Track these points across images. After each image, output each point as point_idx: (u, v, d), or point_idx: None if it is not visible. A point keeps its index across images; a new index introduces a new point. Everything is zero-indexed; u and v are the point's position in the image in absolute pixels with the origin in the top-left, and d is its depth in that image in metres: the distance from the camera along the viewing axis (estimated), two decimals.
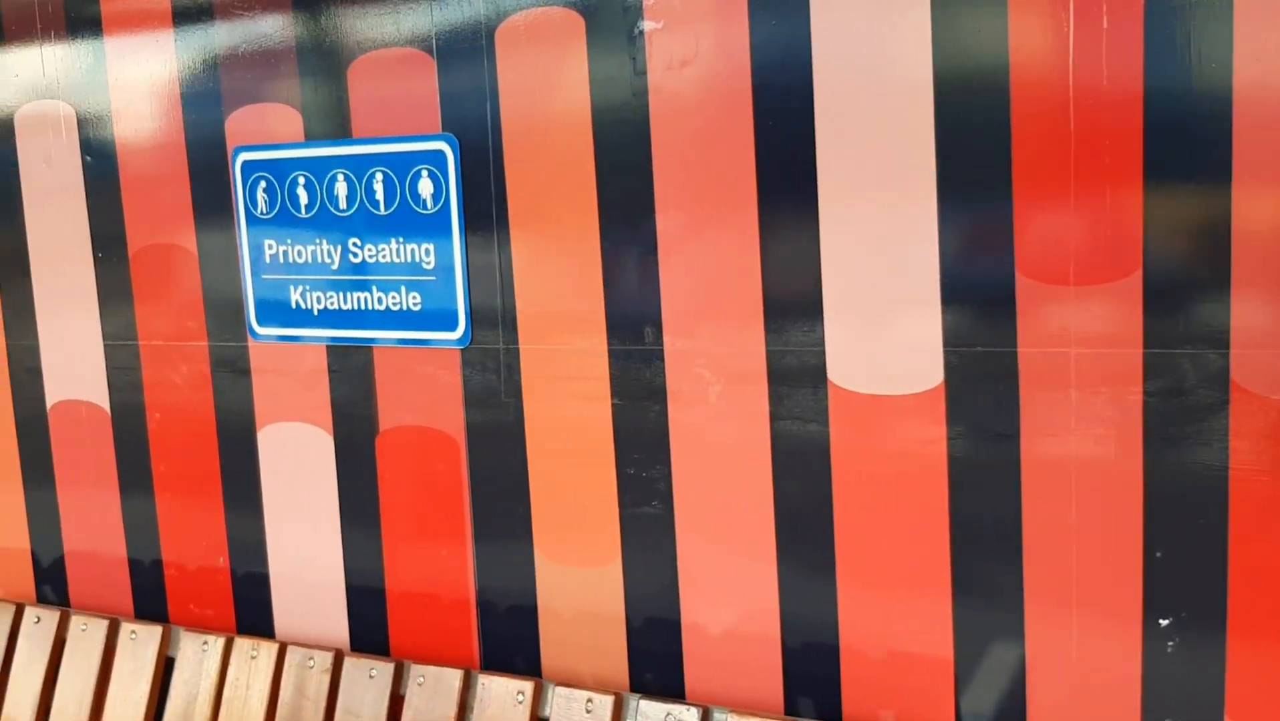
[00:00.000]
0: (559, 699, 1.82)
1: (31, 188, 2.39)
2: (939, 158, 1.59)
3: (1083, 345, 1.54)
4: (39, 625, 2.35)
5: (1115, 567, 1.57)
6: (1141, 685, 1.58)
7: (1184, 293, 1.49)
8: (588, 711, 1.78)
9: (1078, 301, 1.54)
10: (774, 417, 1.75)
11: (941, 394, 1.64)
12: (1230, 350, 1.46)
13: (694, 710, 1.74)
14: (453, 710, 1.89)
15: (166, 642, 2.22)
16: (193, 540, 2.33)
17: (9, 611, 2.39)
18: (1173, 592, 1.54)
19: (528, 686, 1.85)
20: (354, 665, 2.01)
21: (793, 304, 1.71)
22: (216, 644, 2.15)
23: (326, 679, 2.01)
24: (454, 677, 1.91)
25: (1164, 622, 1.55)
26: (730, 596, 1.84)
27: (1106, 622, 1.58)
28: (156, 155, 2.23)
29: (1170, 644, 1.55)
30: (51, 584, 2.53)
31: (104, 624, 2.28)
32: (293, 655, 2.07)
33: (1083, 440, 1.56)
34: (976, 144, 1.57)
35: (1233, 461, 1.49)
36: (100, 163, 2.30)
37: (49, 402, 2.46)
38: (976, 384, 1.61)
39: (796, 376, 1.73)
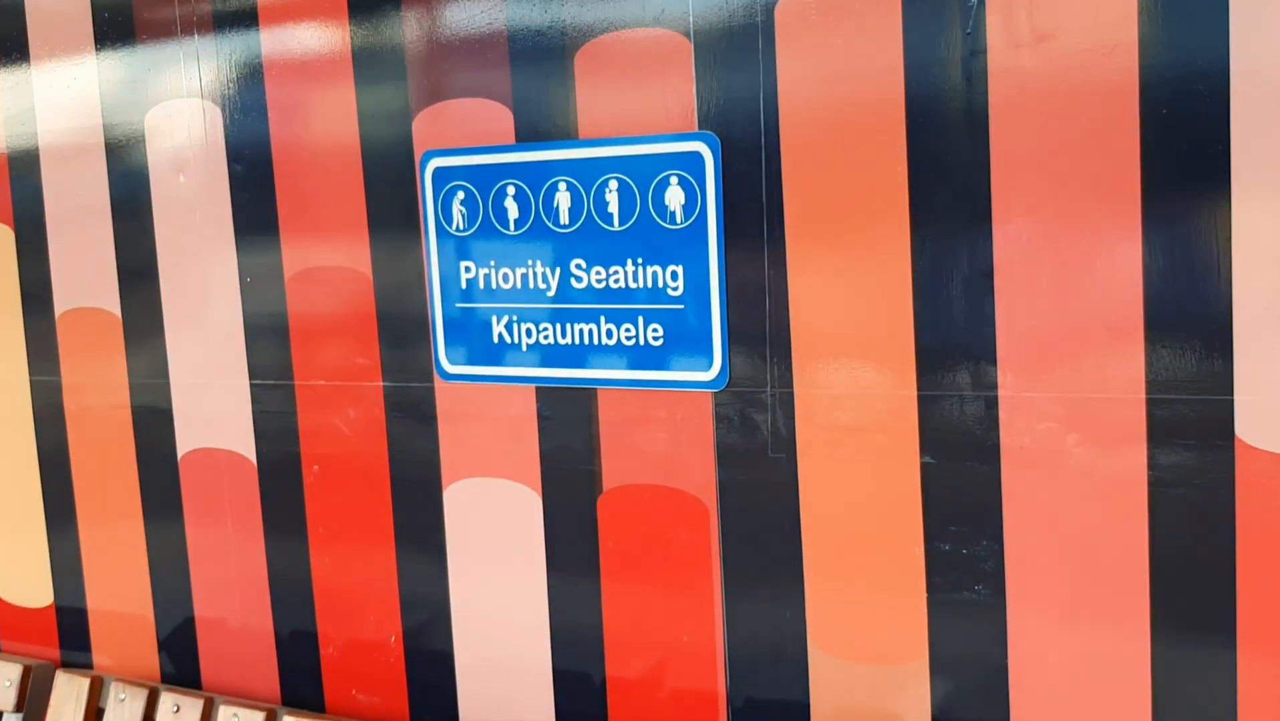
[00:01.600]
0: None
1: (162, 202, 2.05)
2: None
3: None
4: (178, 714, 1.99)
5: None
6: None
7: None
8: None
9: None
10: (1153, 484, 1.39)
11: None
12: None
13: None
14: None
15: None
16: (356, 616, 1.98)
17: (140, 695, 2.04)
18: None
19: None
20: None
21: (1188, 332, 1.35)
22: None
23: None
24: None
25: None
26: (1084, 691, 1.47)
27: None
28: (323, 162, 1.89)
29: None
30: (177, 655, 2.18)
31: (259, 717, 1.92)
32: None
33: None
34: None
35: None
36: (250, 171, 1.96)
37: (180, 452, 2.11)
38: None
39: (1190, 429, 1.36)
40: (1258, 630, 1.36)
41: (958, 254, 1.46)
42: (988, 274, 1.45)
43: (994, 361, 1.46)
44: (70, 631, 2.32)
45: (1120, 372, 1.39)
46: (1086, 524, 1.43)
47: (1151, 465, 1.39)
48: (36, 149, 2.17)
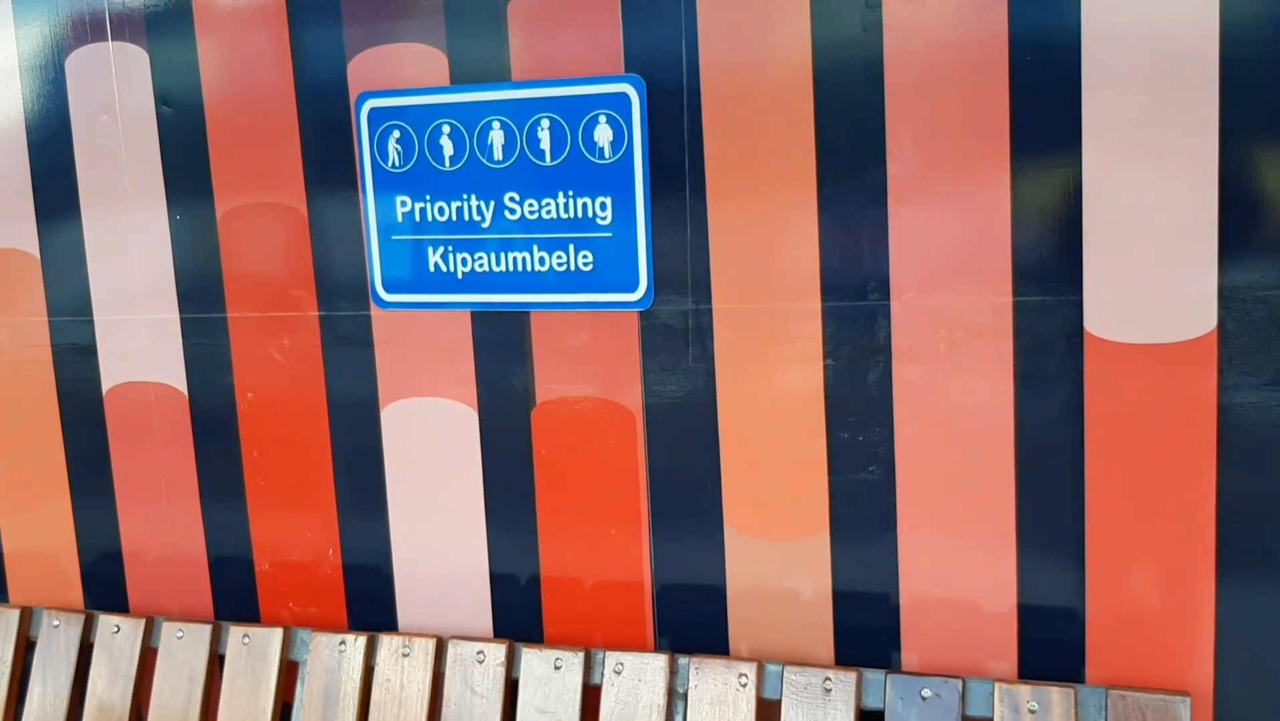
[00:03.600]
0: (793, 675, 1.69)
1: (85, 141, 2.10)
2: (1222, 106, 1.53)
3: None
4: (118, 634, 2.07)
5: None
6: None
7: None
8: (826, 689, 1.67)
9: None
10: (1018, 372, 1.67)
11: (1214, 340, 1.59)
12: None
13: (953, 680, 1.65)
14: (661, 698, 1.75)
15: (287, 646, 1.99)
16: (295, 535, 2.10)
17: (75, 621, 2.10)
18: None
19: (750, 668, 1.72)
20: (534, 654, 1.83)
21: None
22: (357, 642, 1.93)
23: (502, 671, 1.83)
24: (657, 662, 1.76)
25: None
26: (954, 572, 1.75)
27: None
28: (257, 104, 1.99)
29: None
30: (98, 588, 2.25)
31: (205, 629, 2.02)
32: (455, 648, 1.88)
33: None
34: (1261, 93, 1.52)
35: None
36: (180, 114, 2.03)
37: (105, 387, 2.17)
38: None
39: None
40: (1103, 486, 1.66)
41: (856, 184, 1.70)
42: (881, 199, 1.69)
43: (886, 276, 1.71)
44: None
45: (991, 281, 1.66)
46: (963, 409, 1.70)
47: (1016, 355, 1.67)
48: None
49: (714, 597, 1.89)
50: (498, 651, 1.85)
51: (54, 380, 2.22)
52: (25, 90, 2.13)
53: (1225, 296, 1.57)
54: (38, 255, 2.18)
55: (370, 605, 2.08)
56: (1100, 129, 1.59)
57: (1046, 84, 1.60)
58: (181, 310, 2.10)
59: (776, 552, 1.84)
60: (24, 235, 2.18)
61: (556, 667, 1.82)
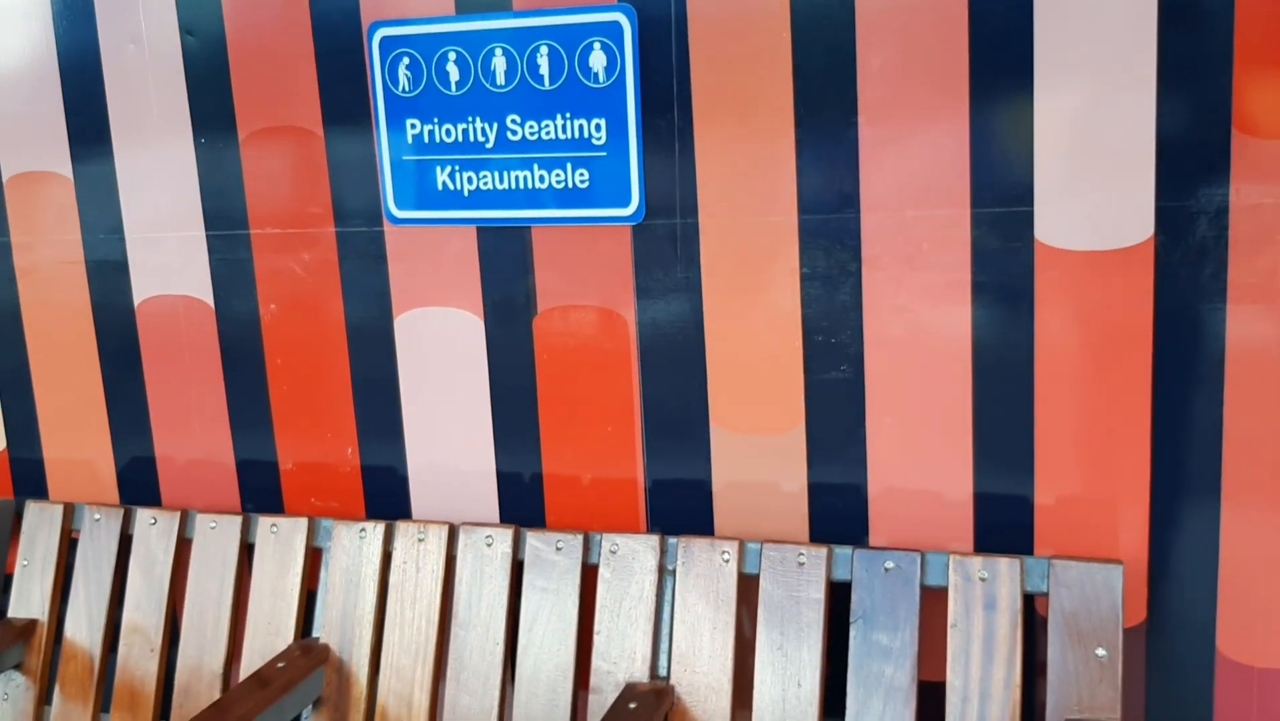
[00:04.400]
0: (771, 552, 1.88)
1: (114, 69, 2.24)
2: (1161, 41, 1.68)
3: None
4: (155, 526, 2.27)
5: None
6: None
7: None
8: (800, 563, 1.86)
9: None
10: (974, 277, 1.84)
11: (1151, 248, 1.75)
12: None
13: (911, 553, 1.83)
14: (652, 575, 1.94)
15: (312, 534, 2.18)
16: (316, 436, 2.28)
17: (117, 516, 2.29)
18: None
19: (732, 546, 1.91)
20: (537, 538, 2.02)
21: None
22: (376, 529, 2.12)
23: (508, 553, 2.02)
24: (649, 542, 1.95)
25: None
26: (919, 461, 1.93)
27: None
28: (275, 32, 2.13)
29: None
30: (132, 491, 2.43)
31: (235, 520, 2.22)
32: (466, 534, 2.07)
33: None
34: (1200, 24, 1.66)
35: None
36: (203, 43, 2.18)
37: (137, 300, 2.34)
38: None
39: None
40: (1050, 381, 1.83)
41: (830, 107, 1.85)
42: (852, 121, 1.84)
43: (857, 192, 1.87)
44: (24, 478, 2.53)
45: (951, 196, 1.82)
46: (925, 311, 1.87)
47: (973, 262, 1.83)
48: None
49: (701, 490, 2.07)
50: (505, 536, 2.04)
51: (88, 294, 2.38)
52: (56, 22, 2.26)
53: (1161, 209, 1.73)
54: (71, 178, 2.33)
55: (386, 501, 2.26)
56: (1049, 60, 1.73)
57: (1003, 19, 1.74)
58: (207, 228, 2.26)
59: (758, 447, 2.02)
60: (58, 159, 2.33)
61: (558, 549, 2.00)
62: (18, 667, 2.31)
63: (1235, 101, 1.67)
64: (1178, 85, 1.70)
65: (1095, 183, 1.75)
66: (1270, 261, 1.70)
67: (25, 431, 2.50)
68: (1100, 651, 1.70)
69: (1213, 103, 1.69)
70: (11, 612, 2.34)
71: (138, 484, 2.44)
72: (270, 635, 2.14)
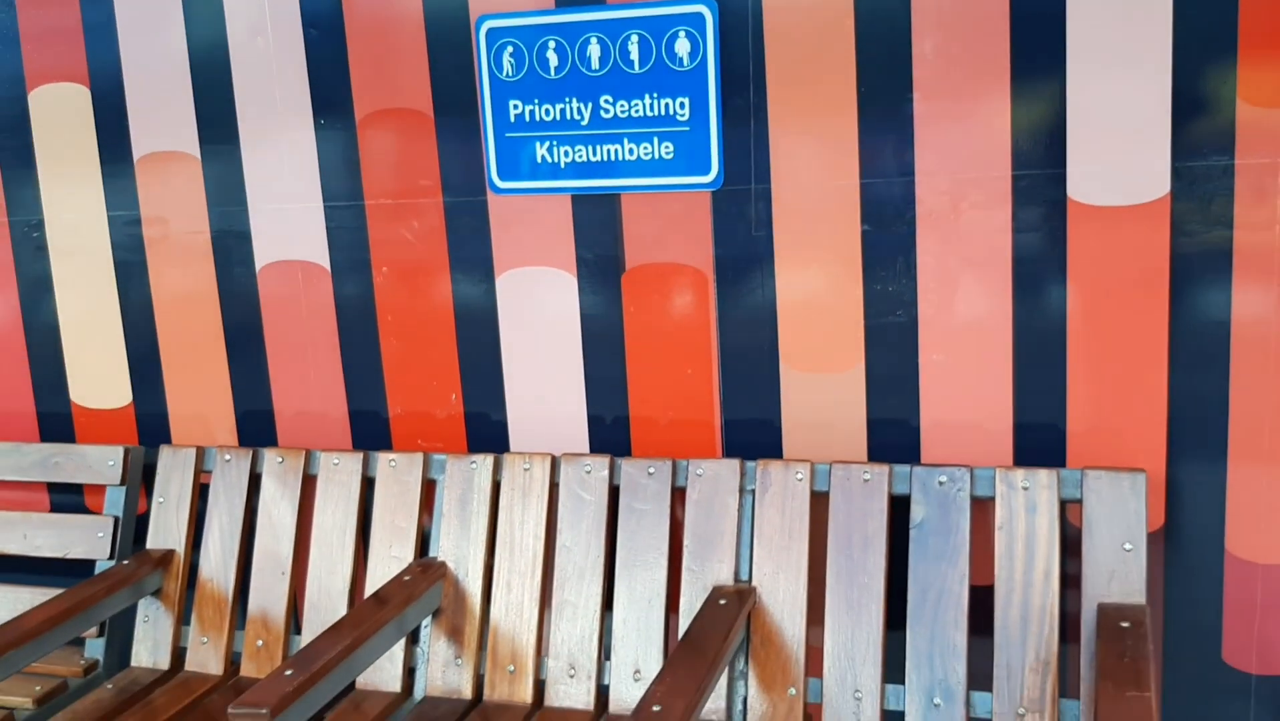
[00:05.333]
0: (838, 471, 2.17)
1: (241, 59, 2.52)
2: (1175, 23, 1.97)
3: None
4: (282, 464, 2.55)
5: None
6: None
7: None
8: (865, 480, 2.15)
9: None
10: (1015, 230, 2.13)
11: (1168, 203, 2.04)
12: None
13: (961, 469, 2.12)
14: (734, 495, 2.23)
15: (427, 468, 2.46)
16: (422, 384, 2.57)
17: (247, 456, 2.58)
18: None
19: (804, 467, 2.20)
20: (631, 465, 2.31)
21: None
22: (485, 461, 2.40)
23: (605, 479, 2.31)
24: (731, 465, 2.24)
25: None
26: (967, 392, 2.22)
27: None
28: (391, 25, 2.41)
29: None
30: (251, 441, 2.72)
31: (357, 456, 2.50)
32: (566, 464, 2.35)
33: None
34: (1208, 7, 1.96)
35: None
36: (326, 37, 2.46)
37: (259, 265, 2.63)
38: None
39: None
40: (1080, 322, 2.12)
41: (888, 84, 2.14)
42: (908, 97, 2.13)
43: (912, 159, 2.16)
44: (149, 430, 2.81)
45: (994, 161, 2.11)
46: (971, 264, 2.16)
47: (1014, 219, 2.12)
48: (113, 12, 2.60)
49: (771, 427, 2.36)
50: (601, 464, 2.33)
51: (213, 261, 2.66)
52: (188, 17, 2.54)
53: (1175, 169, 2.03)
54: (199, 156, 2.61)
55: (487, 443, 2.55)
56: (1079, 41, 2.03)
57: (1039, 4, 2.04)
58: (325, 199, 2.55)
59: (823, 384, 2.31)
60: (186, 140, 2.62)
61: (650, 474, 2.30)
62: (156, 594, 2.60)
63: (1240, 74, 1.97)
64: (1190, 61, 1.99)
65: (1119, 147, 2.04)
66: (1269, 212, 2.00)
67: (151, 387, 2.79)
68: (1127, 545, 2.00)
69: (1220, 76, 1.98)
70: (150, 545, 2.63)
71: (256, 434, 2.72)
72: (390, 559, 2.43)
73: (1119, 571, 1.99)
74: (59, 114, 2.70)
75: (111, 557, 2.67)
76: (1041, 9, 2.04)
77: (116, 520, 2.69)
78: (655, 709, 1.73)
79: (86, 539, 2.70)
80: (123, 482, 2.70)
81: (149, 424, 2.82)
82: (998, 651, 2.04)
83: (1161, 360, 2.10)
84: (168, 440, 2.80)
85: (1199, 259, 2.05)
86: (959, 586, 2.08)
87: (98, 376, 2.82)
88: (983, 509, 2.15)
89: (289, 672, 1.95)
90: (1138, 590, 1.98)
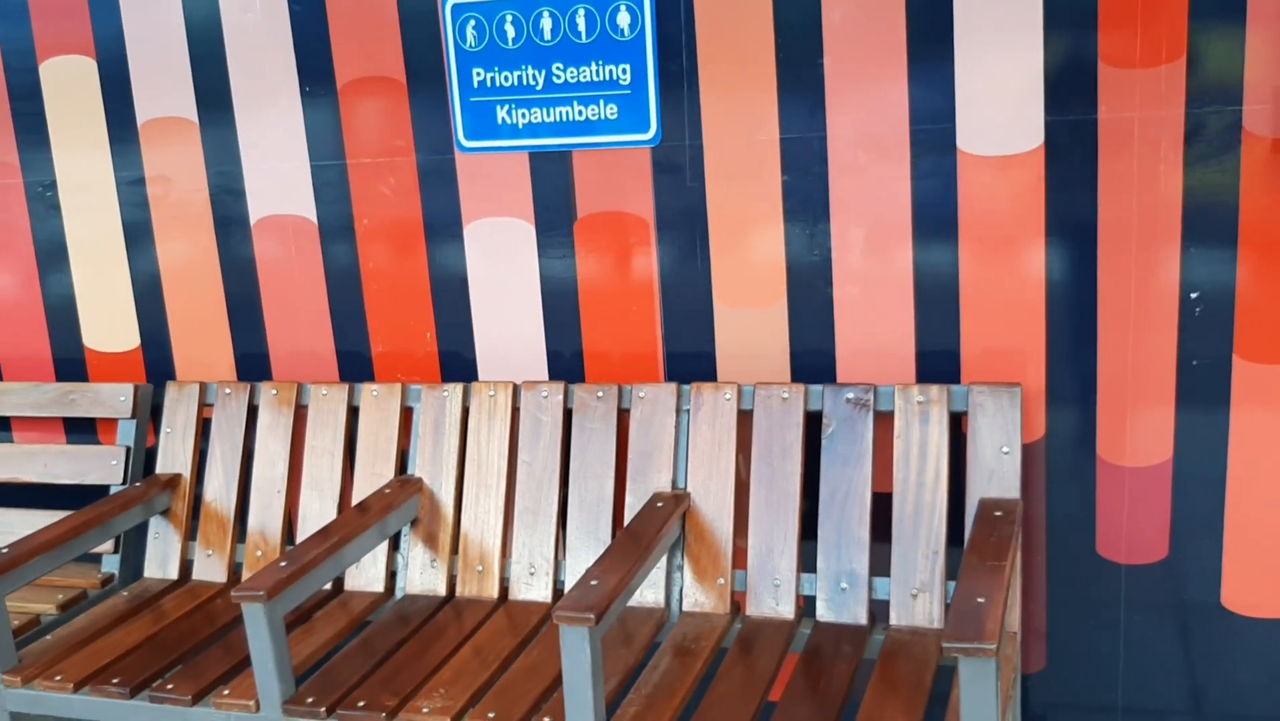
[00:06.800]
0: (761, 391, 2.49)
1: (233, 33, 2.81)
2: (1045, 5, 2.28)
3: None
4: (276, 395, 2.87)
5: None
6: None
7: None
8: (784, 399, 2.46)
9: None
10: (913, 178, 2.44)
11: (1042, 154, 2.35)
12: (1243, 106, 2.22)
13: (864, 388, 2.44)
14: (672, 415, 2.54)
15: (405, 397, 2.78)
16: (401, 324, 2.88)
17: (245, 391, 2.90)
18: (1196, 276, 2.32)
19: (732, 389, 2.52)
20: (582, 390, 2.63)
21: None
22: (455, 390, 2.72)
23: (560, 402, 2.63)
24: (669, 388, 2.56)
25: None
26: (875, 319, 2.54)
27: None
28: (367, 2, 2.71)
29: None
30: (248, 379, 3.03)
31: (343, 388, 2.81)
32: (526, 390, 2.67)
33: None
34: None
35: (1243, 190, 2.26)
36: (309, 12, 2.75)
37: (253, 219, 2.93)
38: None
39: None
40: (970, 258, 2.43)
41: (802, 55, 2.44)
42: (819, 60, 2.43)
43: (824, 115, 2.46)
44: (156, 370, 3.12)
45: (894, 116, 2.41)
46: (878, 207, 2.47)
47: (913, 168, 2.43)
48: None
49: (708, 356, 2.67)
50: (557, 389, 2.65)
51: (211, 214, 2.97)
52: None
53: (1048, 122, 2.33)
54: (196, 120, 2.91)
55: (459, 375, 2.86)
56: (965, 17, 2.32)
57: None
58: (311, 159, 2.84)
59: (751, 318, 2.62)
60: (185, 105, 2.91)
61: (599, 398, 2.61)
62: (165, 514, 2.92)
63: (1100, 42, 2.27)
64: (1058, 32, 2.29)
65: (999, 104, 2.35)
66: (1127, 159, 2.30)
67: (157, 331, 3.10)
68: (1005, 449, 2.32)
69: (1084, 43, 2.28)
70: (159, 470, 2.95)
71: (253, 372, 3.03)
72: (373, 476, 2.74)
73: (997, 471, 2.31)
74: (68, 84, 2.99)
75: (124, 483, 2.98)
76: None
77: (128, 450, 3.00)
78: (593, 582, 2.05)
79: (101, 466, 3.02)
80: (133, 416, 3.02)
81: (156, 366, 3.13)
82: (895, 542, 2.37)
83: (1040, 291, 2.41)
84: (174, 380, 3.11)
85: (1070, 201, 2.35)
86: (863, 488, 2.40)
87: (108, 322, 3.13)
88: (886, 423, 2.47)
89: (283, 564, 2.27)
90: (1013, 486, 2.30)
